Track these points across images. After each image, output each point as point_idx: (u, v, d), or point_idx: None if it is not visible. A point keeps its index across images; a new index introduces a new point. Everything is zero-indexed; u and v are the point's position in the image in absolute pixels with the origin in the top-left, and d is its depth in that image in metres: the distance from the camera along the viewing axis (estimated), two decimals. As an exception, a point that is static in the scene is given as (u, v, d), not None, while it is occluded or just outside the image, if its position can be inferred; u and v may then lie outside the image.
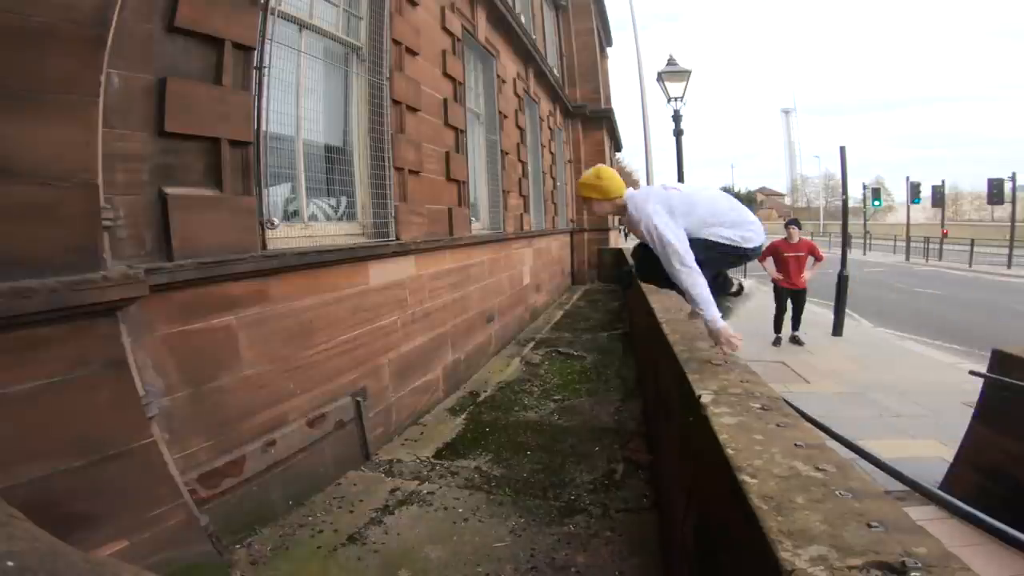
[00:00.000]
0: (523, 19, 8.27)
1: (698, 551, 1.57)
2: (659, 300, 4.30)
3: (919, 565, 0.83)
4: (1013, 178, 19.61)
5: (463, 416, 4.14)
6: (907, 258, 21.11)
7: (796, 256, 7.12)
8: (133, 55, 2.03)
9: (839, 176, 10.17)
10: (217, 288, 2.36)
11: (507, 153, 7.15)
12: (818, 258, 7.11)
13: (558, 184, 11.36)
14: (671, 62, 8.26)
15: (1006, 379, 3.13)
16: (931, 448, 4.07)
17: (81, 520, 1.72)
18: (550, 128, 10.57)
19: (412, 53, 4.20)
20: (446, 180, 4.90)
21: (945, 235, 21.12)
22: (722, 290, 2.71)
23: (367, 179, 3.67)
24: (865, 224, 28.07)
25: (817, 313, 9.98)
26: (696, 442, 1.68)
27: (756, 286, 14.33)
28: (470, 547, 2.36)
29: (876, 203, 26.74)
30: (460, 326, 5.04)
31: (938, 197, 24.14)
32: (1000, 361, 3.28)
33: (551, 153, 10.65)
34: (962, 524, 2.52)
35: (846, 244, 8.96)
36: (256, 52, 2.60)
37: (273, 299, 2.67)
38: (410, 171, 4.07)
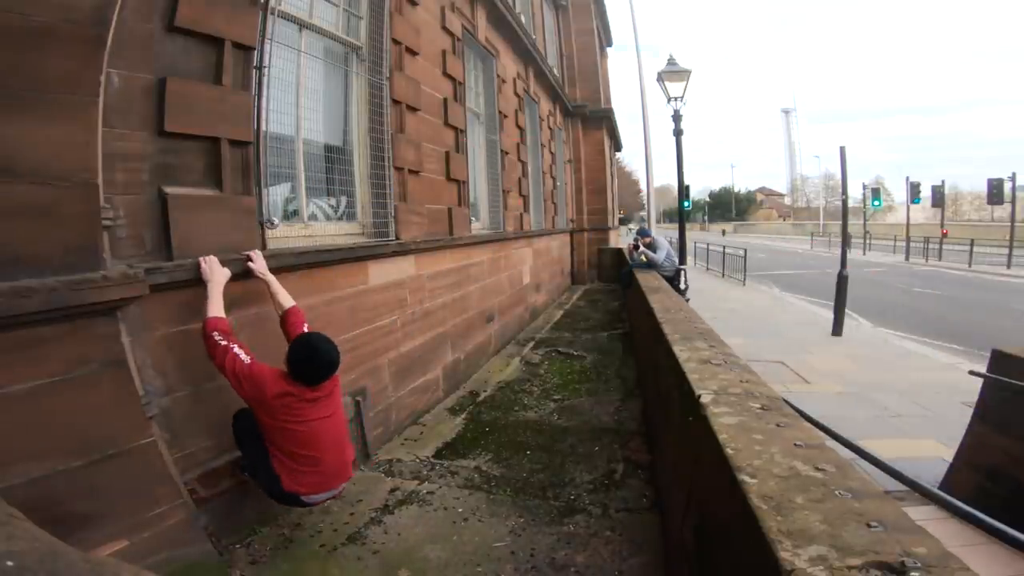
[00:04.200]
0: (523, 19, 8.26)
1: (698, 551, 1.57)
2: (659, 300, 4.31)
3: (918, 565, 0.83)
4: (1013, 178, 19.64)
5: (463, 416, 4.14)
6: (907, 258, 21.13)
7: None
8: (133, 55, 2.03)
9: (839, 176, 10.17)
10: (217, 288, 2.36)
11: (507, 153, 7.15)
12: None
13: (558, 184, 11.36)
14: (671, 62, 8.26)
15: (1006, 379, 3.13)
16: (931, 448, 4.08)
17: (81, 520, 1.72)
18: (550, 128, 10.57)
19: (412, 53, 4.19)
20: (446, 180, 4.90)
21: (945, 235, 21.14)
22: None
23: (367, 179, 3.67)
24: (865, 224, 28.11)
25: (817, 313, 9.99)
26: (696, 442, 1.68)
27: (754, 285, 14.34)
28: (470, 547, 2.36)
29: (876, 203, 26.77)
30: (460, 326, 5.04)
31: (938, 197, 24.15)
32: (1000, 361, 3.29)
33: (551, 153, 10.65)
34: (962, 524, 2.53)
35: (846, 244, 8.98)
36: (256, 52, 2.60)
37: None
38: (410, 171, 4.07)
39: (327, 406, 2.22)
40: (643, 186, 31.73)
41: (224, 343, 2.06)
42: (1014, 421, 3.05)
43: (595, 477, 3.04)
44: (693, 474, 1.75)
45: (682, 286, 8.16)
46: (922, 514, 2.62)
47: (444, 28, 4.96)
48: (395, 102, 3.88)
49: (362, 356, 3.38)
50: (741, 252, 15.35)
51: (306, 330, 2.38)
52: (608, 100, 15.00)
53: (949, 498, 2.66)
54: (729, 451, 1.29)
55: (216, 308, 2.14)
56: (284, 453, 2.13)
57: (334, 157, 3.50)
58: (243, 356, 2.06)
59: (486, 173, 6.73)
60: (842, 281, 8.19)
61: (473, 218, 5.87)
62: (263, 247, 2.66)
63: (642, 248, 7.82)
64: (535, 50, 8.63)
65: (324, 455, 2.20)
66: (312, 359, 2.13)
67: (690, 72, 8.20)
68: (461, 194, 5.22)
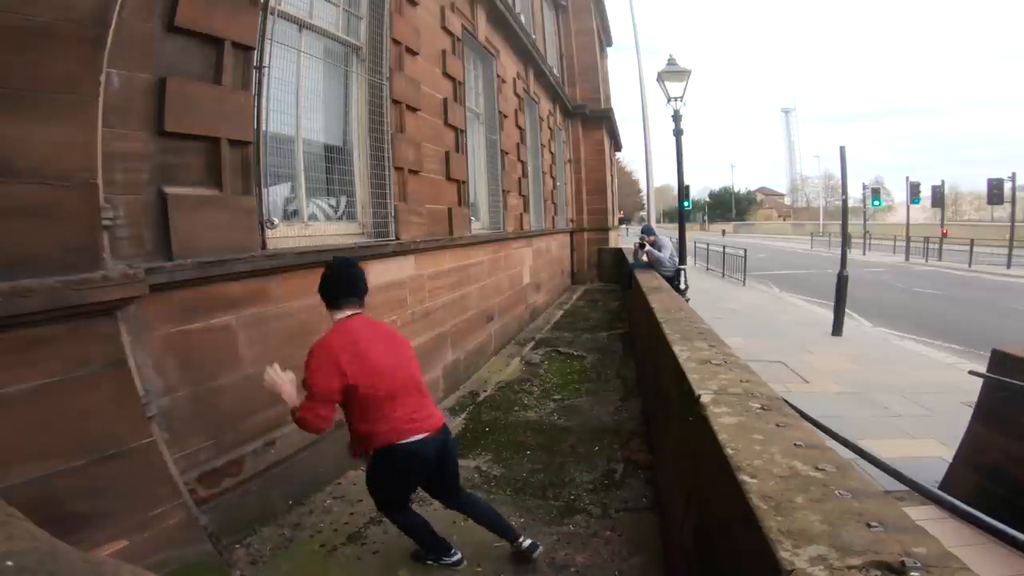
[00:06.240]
0: (523, 19, 8.26)
1: (698, 551, 1.57)
2: (659, 300, 4.30)
3: (918, 565, 0.83)
4: (1013, 178, 19.62)
5: (463, 416, 4.14)
6: (907, 258, 21.11)
7: None
8: (133, 55, 2.03)
9: (839, 176, 10.17)
10: (217, 288, 2.36)
11: (507, 153, 7.15)
12: None
13: (558, 184, 11.36)
14: (671, 62, 8.24)
15: (1006, 379, 3.13)
16: (931, 448, 4.07)
17: (81, 520, 1.72)
18: (550, 128, 10.57)
19: (412, 53, 4.19)
20: (446, 180, 4.90)
21: (945, 235, 21.12)
22: None
23: (367, 179, 3.67)
24: (865, 224, 28.07)
25: (817, 313, 9.99)
26: (696, 442, 1.68)
27: (754, 285, 14.34)
28: (470, 547, 2.36)
29: (876, 203, 26.72)
30: (460, 326, 5.04)
31: (938, 197, 24.13)
32: (1000, 361, 3.28)
33: (551, 153, 10.65)
34: (962, 524, 2.53)
35: (846, 244, 8.97)
36: (256, 52, 2.60)
37: (273, 299, 2.67)
38: (410, 171, 4.07)
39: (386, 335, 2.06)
40: (643, 186, 31.77)
41: (307, 413, 1.86)
42: (1014, 421, 3.04)
43: (595, 477, 3.04)
44: (693, 474, 1.75)
45: (682, 286, 8.16)
46: (922, 514, 2.62)
47: (444, 28, 4.96)
48: (395, 102, 3.88)
49: (362, 356, 3.38)
50: (741, 252, 15.33)
51: None
52: (608, 100, 15.01)
53: (949, 498, 2.66)
54: (729, 451, 1.29)
55: (295, 399, 1.94)
56: (372, 410, 1.89)
57: (334, 157, 3.50)
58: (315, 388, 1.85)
59: (486, 173, 6.73)
60: (842, 281, 8.18)
61: (473, 218, 5.87)
62: (263, 247, 2.66)
63: (648, 248, 7.66)
64: (535, 50, 8.63)
65: (390, 380, 1.92)
66: (350, 263, 2.03)
67: (690, 72, 8.18)
68: (461, 194, 5.22)
